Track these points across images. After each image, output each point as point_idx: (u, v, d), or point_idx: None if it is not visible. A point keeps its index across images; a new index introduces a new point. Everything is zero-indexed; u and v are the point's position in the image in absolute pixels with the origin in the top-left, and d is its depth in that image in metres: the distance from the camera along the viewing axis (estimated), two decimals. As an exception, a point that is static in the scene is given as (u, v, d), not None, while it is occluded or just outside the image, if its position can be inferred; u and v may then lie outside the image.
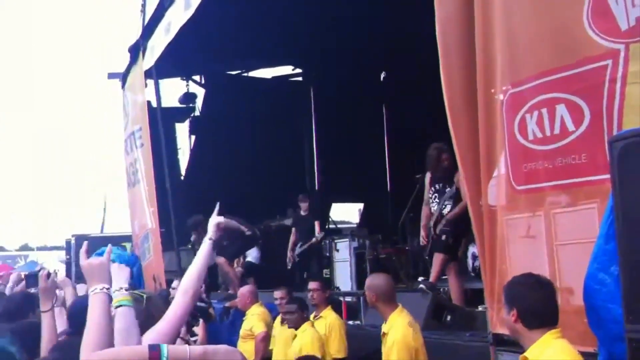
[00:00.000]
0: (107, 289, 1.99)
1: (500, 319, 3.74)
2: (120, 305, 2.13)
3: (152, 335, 2.17)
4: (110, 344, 1.87)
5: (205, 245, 2.56)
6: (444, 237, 5.94)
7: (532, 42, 3.47)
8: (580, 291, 2.75)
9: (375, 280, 4.24)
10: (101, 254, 2.07)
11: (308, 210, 9.21)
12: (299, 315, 5.10)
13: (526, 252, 3.64)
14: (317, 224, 9.05)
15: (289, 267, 9.20)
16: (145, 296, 2.44)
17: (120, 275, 2.19)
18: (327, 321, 5.40)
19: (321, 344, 4.97)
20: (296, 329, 5.11)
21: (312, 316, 5.45)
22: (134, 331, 2.09)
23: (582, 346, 3.08)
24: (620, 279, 2.39)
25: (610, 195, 2.44)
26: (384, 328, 4.04)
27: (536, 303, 2.66)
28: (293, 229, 9.34)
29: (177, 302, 2.37)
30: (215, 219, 2.65)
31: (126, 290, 2.11)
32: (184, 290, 2.40)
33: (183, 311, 2.35)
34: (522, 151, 3.46)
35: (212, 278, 9.06)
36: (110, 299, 2.01)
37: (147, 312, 2.35)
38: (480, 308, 5.04)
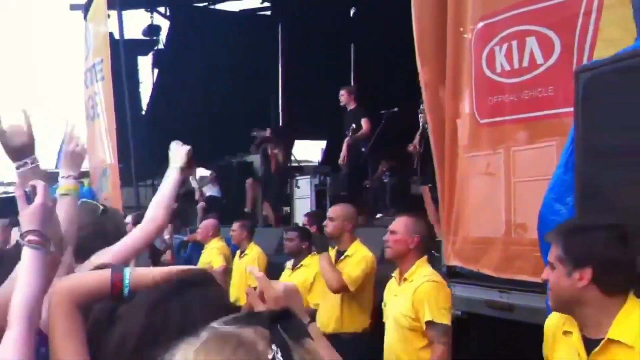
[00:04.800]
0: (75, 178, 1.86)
1: (454, 250, 3.81)
2: (67, 194, 1.88)
3: (106, 257, 1.89)
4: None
5: (174, 173, 2.31)
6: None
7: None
8: (534, 225, 2.78)
9: (349, 210, 4.17)
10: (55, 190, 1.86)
11: None
12: (297, 244, 4.82)
13: (484, 187, 3.69)
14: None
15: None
16: (101, 207, 2.16)
17: (73, 161, 1.94)
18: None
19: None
20: (292, 256, 4.88)
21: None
22: (76, 223, 1.87)
23: (533, 277, 3.17)
24: (575, 210, 2.41)
25: (573, 125, 2.43)
26: (349, 252, 4.02)
27: (622, 258, 1.80)
28: None
29: (141, 226, 2.18)
30: (184, 147, 2.38)
31: (75, 178, 1.87)
32: (150, 218, 2.20)
33: (144, 239, 2.15)
34: (489, 84, 3.44)
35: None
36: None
37: (100, 226, 2.06)
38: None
